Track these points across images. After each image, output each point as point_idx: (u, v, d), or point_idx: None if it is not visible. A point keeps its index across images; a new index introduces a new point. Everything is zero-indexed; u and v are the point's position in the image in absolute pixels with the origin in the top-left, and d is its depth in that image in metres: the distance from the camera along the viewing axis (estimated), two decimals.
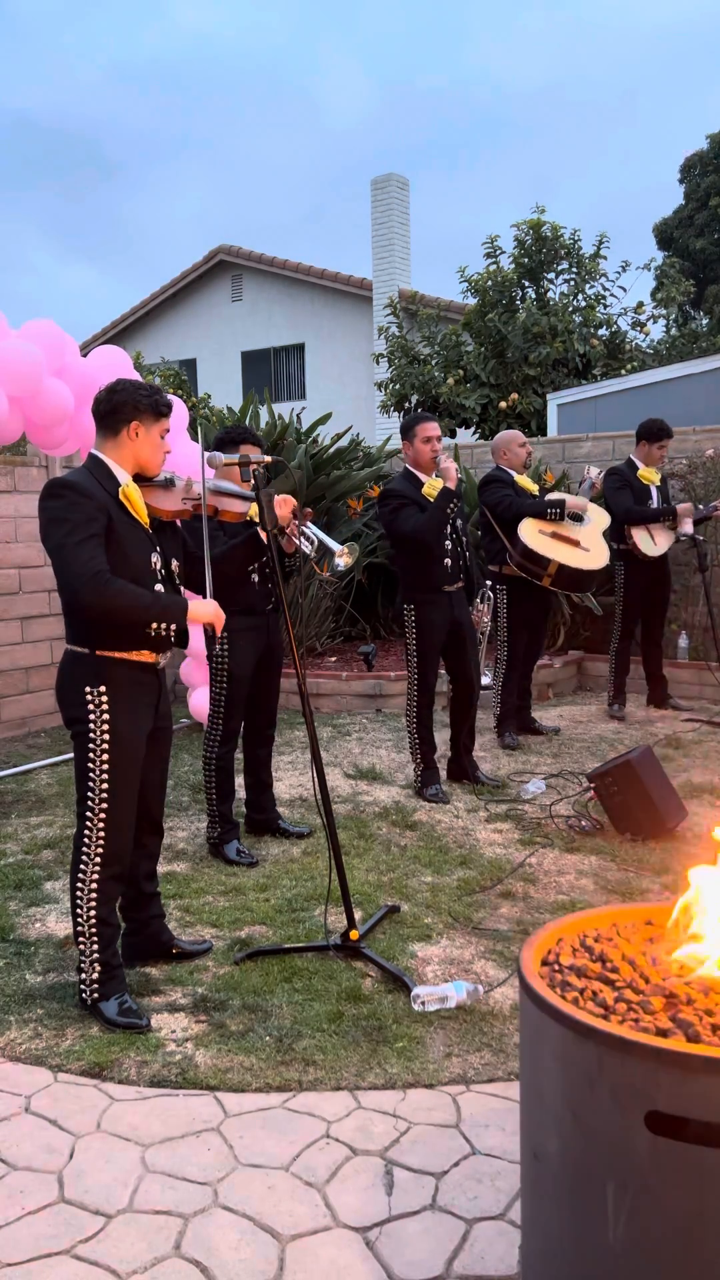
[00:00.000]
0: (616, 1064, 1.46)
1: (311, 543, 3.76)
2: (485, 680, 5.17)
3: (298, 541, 3.74)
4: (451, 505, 4.53)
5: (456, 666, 4.83)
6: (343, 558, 3.65)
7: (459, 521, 4.70)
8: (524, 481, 5.65)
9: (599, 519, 5.79)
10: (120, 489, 2.74)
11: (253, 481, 3.19)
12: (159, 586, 2.82)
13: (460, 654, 4.79)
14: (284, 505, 3.48)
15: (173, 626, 2.69)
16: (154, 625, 2.67)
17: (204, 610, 2.80)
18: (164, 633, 2.69)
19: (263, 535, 3.28)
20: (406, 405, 11.70)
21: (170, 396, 2.88)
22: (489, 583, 4.90)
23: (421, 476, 4.66)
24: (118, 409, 2.76)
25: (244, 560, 3.40)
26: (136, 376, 4.24)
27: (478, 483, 5.77)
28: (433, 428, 4.66)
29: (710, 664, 6.83)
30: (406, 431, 4.72)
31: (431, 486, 4.58)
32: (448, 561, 4.63)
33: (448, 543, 4.62)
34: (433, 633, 4.68)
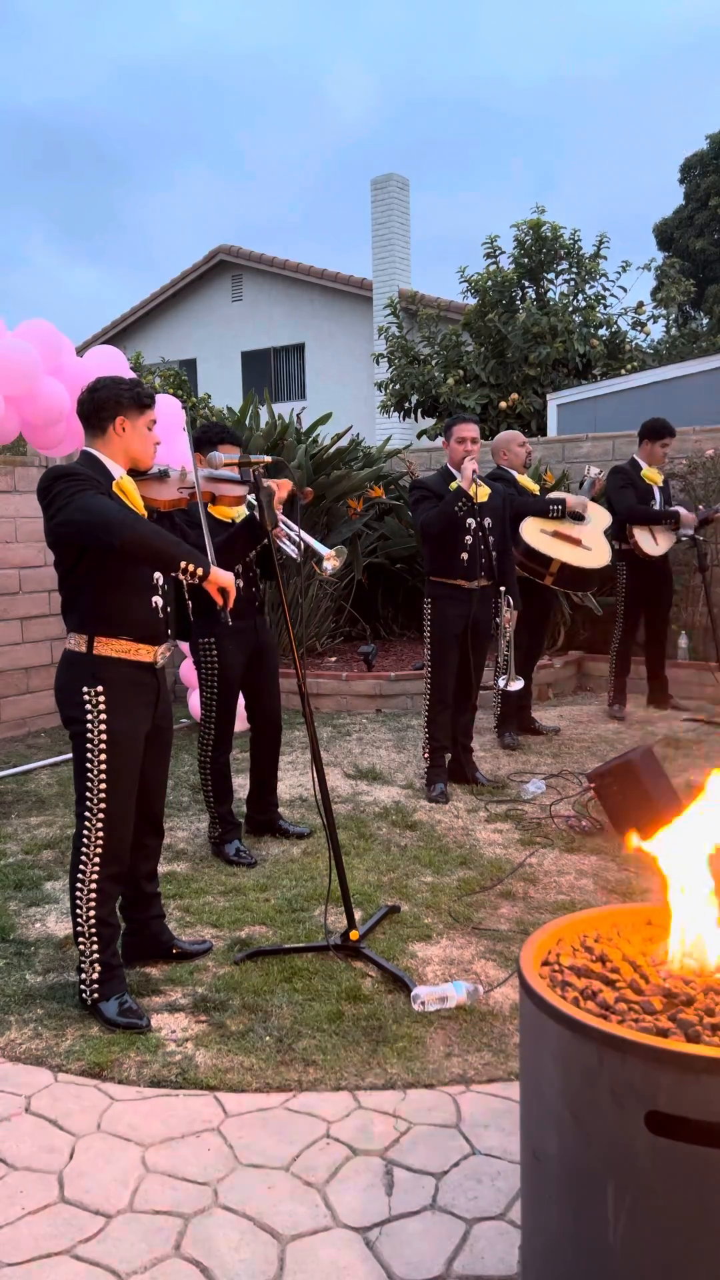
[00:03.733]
0: (616, 1064, 1.46)
1: (297, 545, 3.75)
2: (518, 685, 5.16)
3: (280, 543, 3.74)
4: (461, 504, 4.60)
5: (461, 666, 4.84)
6: (330, 560, 3.64)
7: (488, 521, 4.72)
8: (525, 481, 5.66)
9: (600, 518, 5.79)
10: (114, 482, 2.75)
11: (252, 482, 3.20)
12: (157, 575, 2.82)
13: (468, 654, 4.82)
14: (281, 489, 3.47)
15: (199, 570, 2.73)
16: (185, 564, 2.71)
17: (224, 575, 2.83)
18: (192, 574, 2.72)
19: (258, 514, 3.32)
20: (406, 405, 11.70)
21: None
22: (503, 589, 4.92)
23: (455, 473, 4.78)
24: (101, 406, 2.77)
25: (245, 546, 3.44)
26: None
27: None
28: (467, 429, 4.75)
29: (710, 664, 6.83)
30: (446, 430, 4.85)
31: (456, 484, 4.68)
32: (465, 556, 4.68)
33: (468, 538, 4.68)
34: (447, 626, 4.75)
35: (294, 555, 3.76)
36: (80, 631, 2.76)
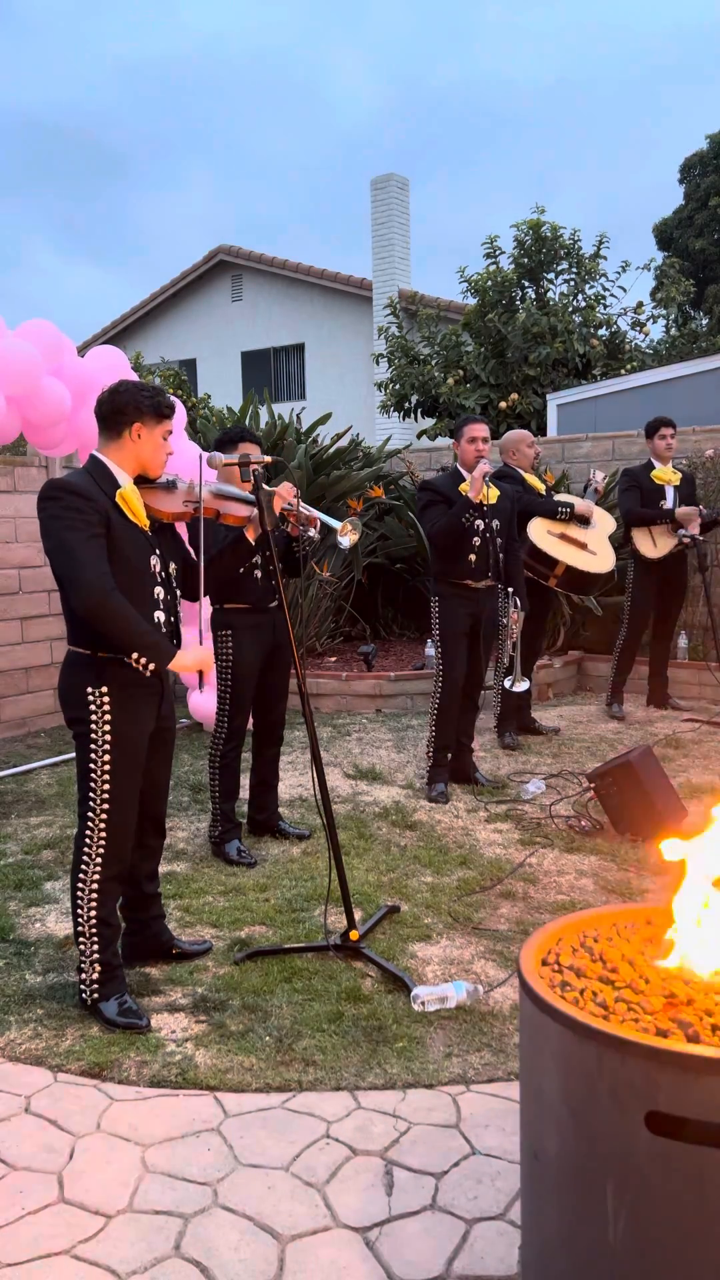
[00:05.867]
0: (616, 1064, 1.46)
1: (315, 527, 3.76)
2: (524, 686, 5.16)
3: (302, 528, 3.74)
4: (469, 514, 4.60)
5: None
6: (346, 535, 3.63)
7: (495, 523, 4.73)
8: (532, 480, 5.67)
9: (605, 523, 5.81)
10: (118, 492, 2.73)
11: (252, 481, 3.19)
12: (158, 589, 2.82)
13: (472, 654, 4.82)
14: (286, 494, 3.48)
15: (151, 666, 2.69)
16: (134, 656, 2.67)
17: (189, 658, 2.77)
18: (140, 667, 2.69)
19: (250, 536, 3.31)
20: (406, 405, 11.70)
21: (170, 397, 2.88)
22: (510, 590, 4.93)
23: (465, 474, 4.75)
24: (120, 410, 2.75)
25: (233, 564, 3.43)
26: (134, 377, 4.24)
27: None
28: (478, 429, 4.73)
29: (710, 664, 6.83)
30: (456, 431, 4.83)
31: (468, 486, 4.66)
32: (472, 558, 4.68)
33: (476, 540, 4.67)
34: (455, 622, 4.75)
35: (315, 536, 3.77)
36: (84, 647, 2.75)
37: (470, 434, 4.71)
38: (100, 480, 2.73)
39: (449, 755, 4.92)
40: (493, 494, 4.72)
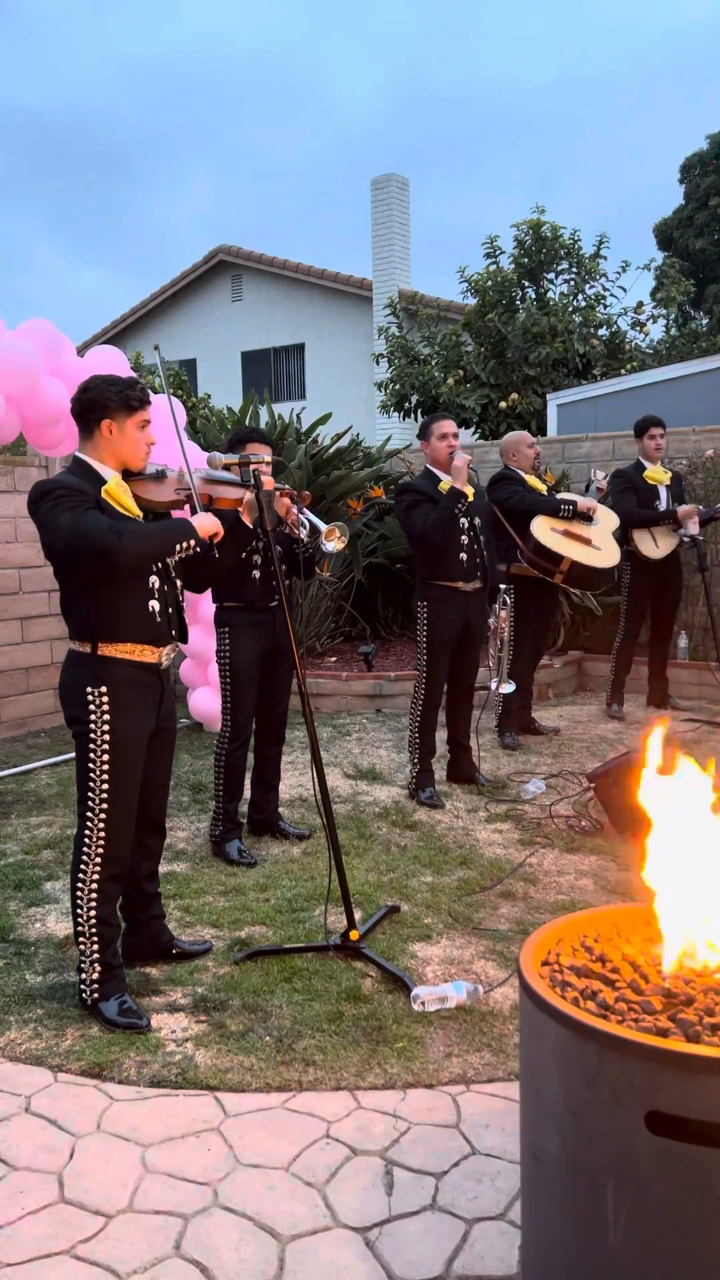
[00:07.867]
0: (616, 1064, 1.46)
1: (306, 527, 3.76)
2: (510, 688, 5.15)
3: (299, 531, 3.75)
4: (460, 504, 4.55)
5: (458, 667, 4.83)
6: (332, 540, 3.59)
7: (477, 520, 4.70)
8: (533, 481, 5.67)
9: (608, 519, 5.82)
10: (104, 487, 2.73)
11: (252, 481, 3.19)
12: (154, 578, 2.81)
13: (464, 655, 4.80)
14: (285, 501, 3.50)
15: (193, 543, 2.80)
16: (180, 545, 2.77)
17: (206, 523, 2.88)
18: (190, 549, 2.80)
19: (246, 519, 3.32)
20: (406, 405, 11.70)
21: (142, 387, 2.86)
22: (504, 586, 4.90)
23: (439, 474, 4.70)
24: (88, 408, 2.75)
25: (233, 551, 3.44)
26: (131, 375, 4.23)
27: (484, 484, 5.78)
28: (448, 425, 4.71)
29: (710, 664, 6.83)
30: (424, 432, 4.78)
31: (447, 484, 4.62)
32: (463, 557, 4.63)
33: (464, 538, 4.62)
34: (444, 629, 4.67)
35: (305, 537, 3.76)
36: (82, 639, 2.76)
37: (440, 430, 4.66)
38: (84, 479, 2.73)
39: (432, 754, 4.85)
40: (470, 491, 4.66)
